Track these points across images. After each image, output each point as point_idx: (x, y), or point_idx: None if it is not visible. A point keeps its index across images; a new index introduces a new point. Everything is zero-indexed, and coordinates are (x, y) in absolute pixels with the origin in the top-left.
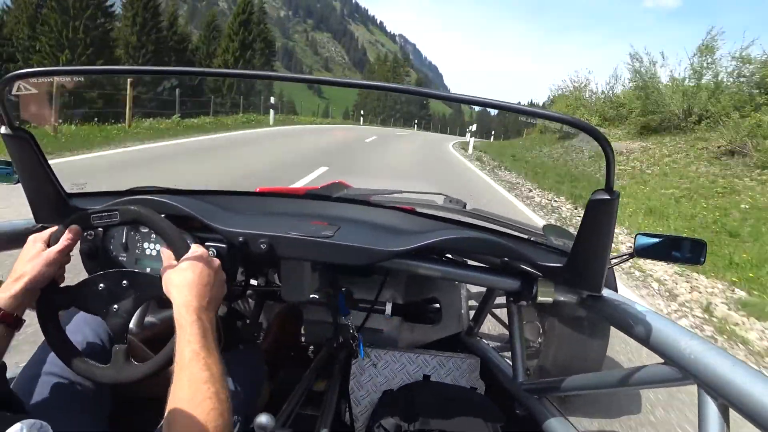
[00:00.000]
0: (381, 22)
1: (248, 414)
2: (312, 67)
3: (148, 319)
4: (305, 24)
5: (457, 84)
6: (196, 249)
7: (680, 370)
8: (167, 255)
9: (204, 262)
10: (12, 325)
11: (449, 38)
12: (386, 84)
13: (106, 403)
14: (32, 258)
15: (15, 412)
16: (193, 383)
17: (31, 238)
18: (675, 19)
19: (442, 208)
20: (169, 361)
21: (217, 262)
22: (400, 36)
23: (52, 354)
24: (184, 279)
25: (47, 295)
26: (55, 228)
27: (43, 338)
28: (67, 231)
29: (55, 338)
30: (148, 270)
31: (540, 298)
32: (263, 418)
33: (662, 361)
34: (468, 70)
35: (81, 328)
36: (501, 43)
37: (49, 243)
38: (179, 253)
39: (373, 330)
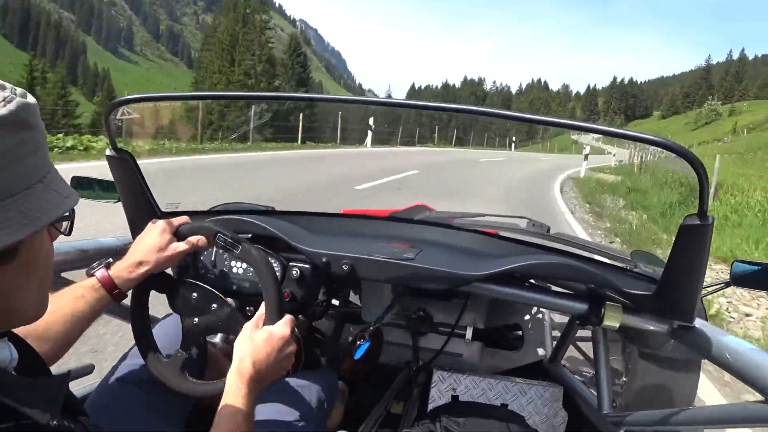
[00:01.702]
0: (280, 6)
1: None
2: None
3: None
4: (195, 6)
5: (361, 70)
6: (281, 327)
7: None
8: (259, 314)
9: (282, 342)
10: (116, 299)
11: (353, 23)
12: (457, 106)
13: (183, 417)
14: (158, 249)
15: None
16: None
17: (159, 224)
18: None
19: (525, 232)
20: (214, 395)
21: (292, 348)
22: (301, 21)
23: (134, 367)
24: (255, 350)
25: (149, 278)
26: (183, 219)
27: (122, 353)
28: (198, 239)
29: (138, 315)
30: (234, 287)
31: (627, 327)
32: None
33: (762, 398)
34: (373, 56)
35: (168, 330)
36: (409, 27)
37: (176, 235)
38: (268, 319)
39: (453, 354)
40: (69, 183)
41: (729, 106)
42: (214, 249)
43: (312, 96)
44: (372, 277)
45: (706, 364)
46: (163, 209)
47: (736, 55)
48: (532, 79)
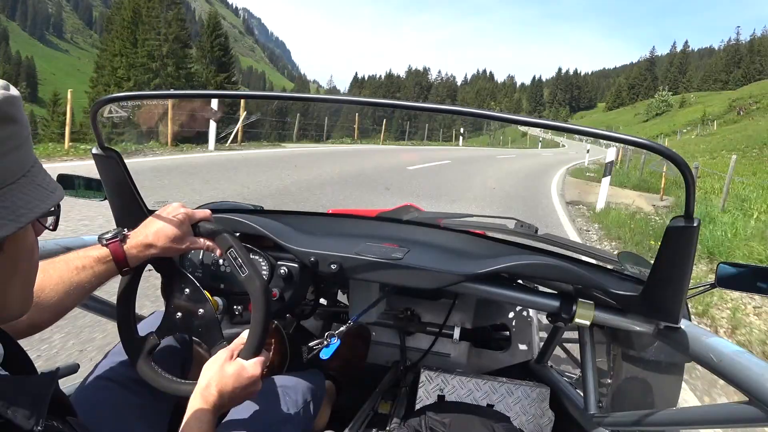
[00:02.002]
0: None
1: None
2: None
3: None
4: None
5: (306, 61)
6: (254, 365)
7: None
8: (237, 344)
9: (249, 381)
10: (119, 271)
11: (298, 13)
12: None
13: (166, 415)
14: (174, 239)
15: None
16: None
17: (181, 213)
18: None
19: (513, 233)
20: (182, 395)
21: (257, 388)
22: (244, 9)
23: (118, 364)
24: (222, 380)
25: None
26: (206, 214)
27: (106, 350)
28: (214, 245)
29: (125, 291)
30: (221, 286)
31: (614, 327)
32: None
33: (747, 399)
34: (318, 47)
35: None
36: (354, 17)
37: (194, 228)
38: (246, 352)
39: (441, 354)
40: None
41: (679, 96)
42: (205, 254)
43: (308, 96)
44: (360, 277)
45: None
46: (151, 207)
47: (679, 47)
48: (478, 70)
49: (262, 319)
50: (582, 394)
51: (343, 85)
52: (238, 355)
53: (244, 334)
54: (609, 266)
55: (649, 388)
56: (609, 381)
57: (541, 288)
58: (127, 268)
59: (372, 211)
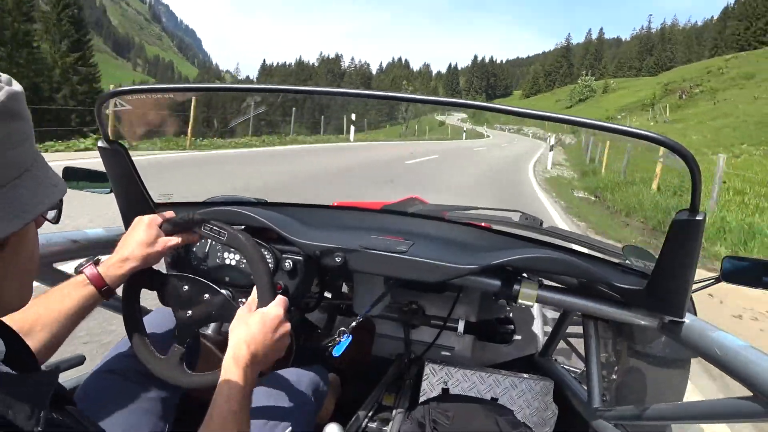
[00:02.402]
0: None
1: (307, 427)
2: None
3: (226, 326)
4: None
5: (218, 51)
6: (274, 308)
7: None
8: (252, 298)
9: (275, 324)
10: (105, 296)
11: (208, 0)
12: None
13: (173, 406)
14: (144, 244)
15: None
16: None
17: (145, 219)
18: None
19: (518, 226)
20: (212, 384)
21: (287, 325)
22: None
23: (124, 357)
24: (248, 333)
25: (139, 274)
26: (170, 214)
27: (114, 342)
28: (186, 233)
29: (131, 314)
30: (227, 279)
31: (618, 321)
32: (332, 429)
33: (751, 394)
34: (231, 35)
35: (158, 321)
36: (267, 7)
37: (162, 228)
38: (261, 301)
39: (445, 347)
40: (60, 173)
41: (602, 82)
42: (208, 242)
43: (312, 89)
44: (365, 270)
45: None
46: (156, 201)
47: (594, 35)
48: (393, 58)
49: (259, 266)
50: (586, 387)
51: (252, 72)
52: (256, 308)
53: (254, 291)
54: (613, 260)
55: (654, 382)
56: (614, 376)
57: (545, 282)
58: (107, 288)
59: (376, 204)
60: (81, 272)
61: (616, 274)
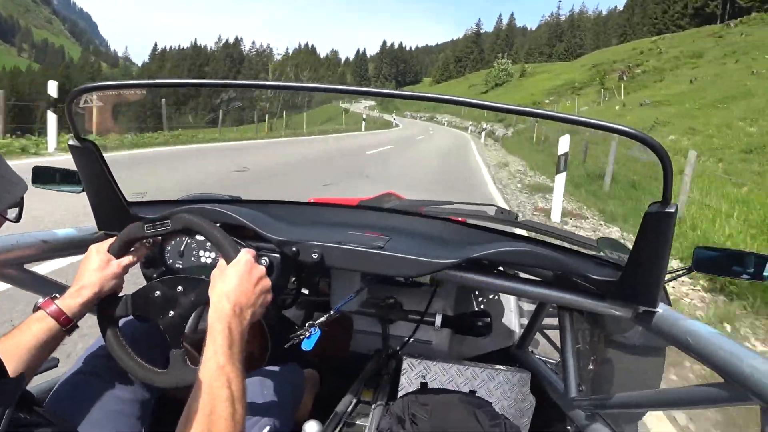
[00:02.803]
0: None
1: (285, 425)
2: None
3: (203, 323)
4: None
5: (116, 36)
6: (243, 255)
7: (742, 390)
8: (221, 262)
9: (248, 268)
10: (68, 330)
11: None
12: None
13: (150, 406)
14: (97, 269)
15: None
16: (212, 399)
17: (93, 248)
18: None
19: (493, 219)
20: (168, 389)
21: (262, 269)
22: None
23: (97, 359)
24: (225, 286)
25: (107, 305)
26: (114, 239)
27: (87, 345)
28: (135, 248)
29: (115, 346)
30: (203, 276)
31: (593, 313)
32: (311, 426)
33: (722, 380)
34: (130, 20)
35: (138, 333)
36: None
37: (111, 252)
38: (229, 258)
39: (422, 341)
40: (31, 173)
41: (519, 66)
42: (183, 241)
43: (296, 85)
44: (342, 266)
45: None
46: (130, 200)
47: (505, 21)
48: (300, 44)
49: (212, 229)
50: (563, 378)
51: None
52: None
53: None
54: (588, 252)
55: (629, 371)
56: (590, 366)
57: (521, 274)
58: (66, 318)
59: (353, 200)
60: (40, 308)
61: (591, 266)
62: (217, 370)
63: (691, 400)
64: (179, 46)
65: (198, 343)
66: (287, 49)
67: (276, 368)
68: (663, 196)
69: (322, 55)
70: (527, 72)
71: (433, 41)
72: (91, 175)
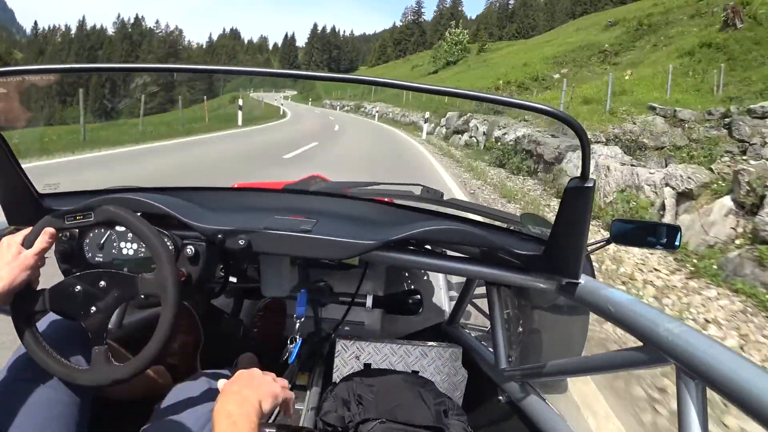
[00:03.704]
0: None
1: None
2: None
3: (129, 319)
4: None
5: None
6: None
7: (658, 352)
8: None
9: (261, 383)
10: None
11: None
12: (368, 78)
13: (86, 409)
14: (7, 262)
15: None
16: None
17: (3, 240)
18: None
19: (419, 199)
20: (150, 362)
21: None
22: None
23: (23, 363)
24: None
25: (22, 300)
26: (28, 230)
27: (17, 344)
28: (42, 234)
29: (32, 343)
30: (125, 270)
31: (519, 286)
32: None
33: (641, 344)
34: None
35: (60, 330)
36: None
37: (24, 245)
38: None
39: (355, 323)
40: None
41: (475, 45)
42: (103, 233)
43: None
44: (270, 251)
45: None
46: (41, 191)
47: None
48: (224, 29)
49: (137, 224)
50: (493, 351)
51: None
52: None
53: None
54: (512, 227)
55: (555, 340)
56: (519, 337)
57: (449, 252)
58: None
59: (278, 184)
60: None
61: (515, 241)
62: None
63: (614, 365)
64: (66, 26)
65: (123, 339)
66: (210, 35)
67: (213, 373)
68: (581, 172)
69: (253, 41)
70: (489, 48)
71: (370, 29)
72: None
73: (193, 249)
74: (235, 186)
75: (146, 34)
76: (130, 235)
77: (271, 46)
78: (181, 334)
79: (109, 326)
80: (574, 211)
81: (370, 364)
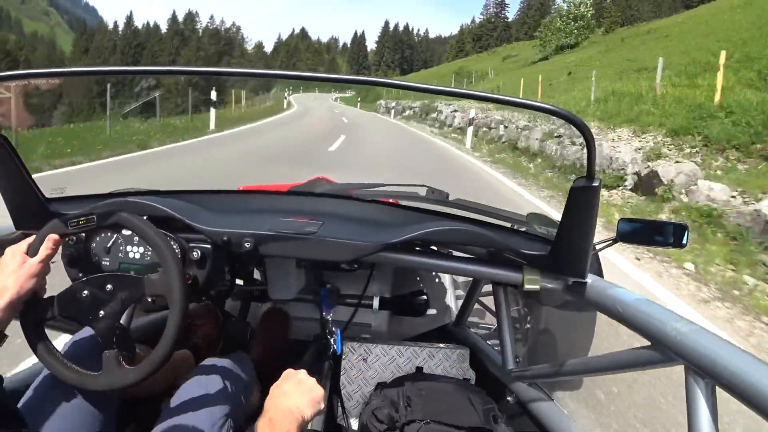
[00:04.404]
0: None
1: (239, 418)
2: None
3: (136, 322)
4: None
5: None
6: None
7: (667, 351)
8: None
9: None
10: None
11: None
12: (374, 79)
13: (113, 405)
14: (13, 271)
15: (17, 427)
16: None
17: (8, 250)
18: None
19: (425, 200)
20: (161, 362)
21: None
22: None
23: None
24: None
25: (31, 308)
26: (32, 238)
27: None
28: (46, 241)
29: (43, 351)
30: (131, 273)
31: (526, 286)
32: None
33: (649, 344)
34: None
35: (72, 336)
36: None
37: (29, 253)
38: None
39: (362, 324)
40: None
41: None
42: (110, 237)
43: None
44: (276, 254)
45: None
46: (48, 196)
47: None
48: (293, 30)
49: (141, 226)
50: (500, 352)
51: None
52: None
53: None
54: (518, 228)
55: (562, 340)
56: (526, 337)
57: (455, 253)
58: None
59: (283, 186)
60: None
61: (522, 241)
62: None
63: (621, 365)
64: (115, 23)
65: (140, 339)
66: (279, 34)
67: (227, 358)
68: (587, 171)
69: (323, 41)
70: (616, 30)
71: (445, 31)
72: (5, 171)
73: (199, 252)
74: (241, 188)
75: (204, 32)
76: (136, 238)
77: (341, 46)
78: (207, 326)
79: (131, 326)
80: (581, 211)
81: (421, 368)
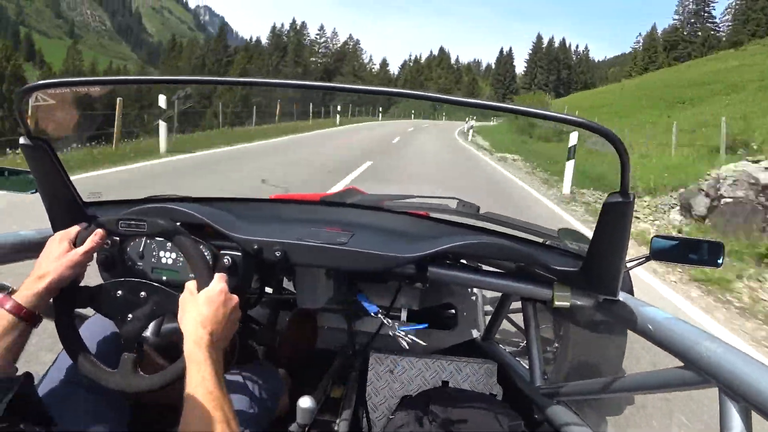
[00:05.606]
0: None
1: (266, 427)
2: (48, 33)
3: (166, 326)
4: None
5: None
6: (216, 284)
7: (700, 373)
8: (192, 283)
9: (222, 299)
10: (31, 323)
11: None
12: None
13: (126, 411)
14: (57, 257)
15: (46, 425)
16: (208, 424)
17: (56, 235)
18: None
19: (455, 212)
20: (176, 377)
21: (235, 300)
22: (205, 7)
23: (68, 365)
24: (199, 314)
25: (66, 294)
26: (80, 227)
27: (61, 347)
28: (93, 234)
29: (68, 336)
30: (164, 278)
31: (556, 303)
32: (305, 401)
33: (682, 364)
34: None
35: (97, 330)
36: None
37: (75, 243)
38: (201, 282)
39: (389, 336)
40: None
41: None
42: (142, 241)
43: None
44: (305, 263)
45: None
46: (86, 200)
47: None
48: (431, 52)
49: (190, 247)
50: (528, 368)
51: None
52: (198, 291)
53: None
54: (549, 243)
55: (592, 358)
56: (555, 354)
57: (484, 267)
58: (28, 312)
59: (315, 196)
60: None
61: (552, 256)
62: (206, 395)
63: (652, 385)
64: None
65: (161, 346)
66: (419, 54)
67: (255, 372)
68: (621, 187)
69: (463, 63)
70: None
71: (599, 55)
72: (45, 174)
73: (230, 259)
74: (272, 197)
75: (313, 44)
76: (169, 244)
77: (483, 68)
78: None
79: (147, 333)
80: (613, 227)
81: (447, 381)
